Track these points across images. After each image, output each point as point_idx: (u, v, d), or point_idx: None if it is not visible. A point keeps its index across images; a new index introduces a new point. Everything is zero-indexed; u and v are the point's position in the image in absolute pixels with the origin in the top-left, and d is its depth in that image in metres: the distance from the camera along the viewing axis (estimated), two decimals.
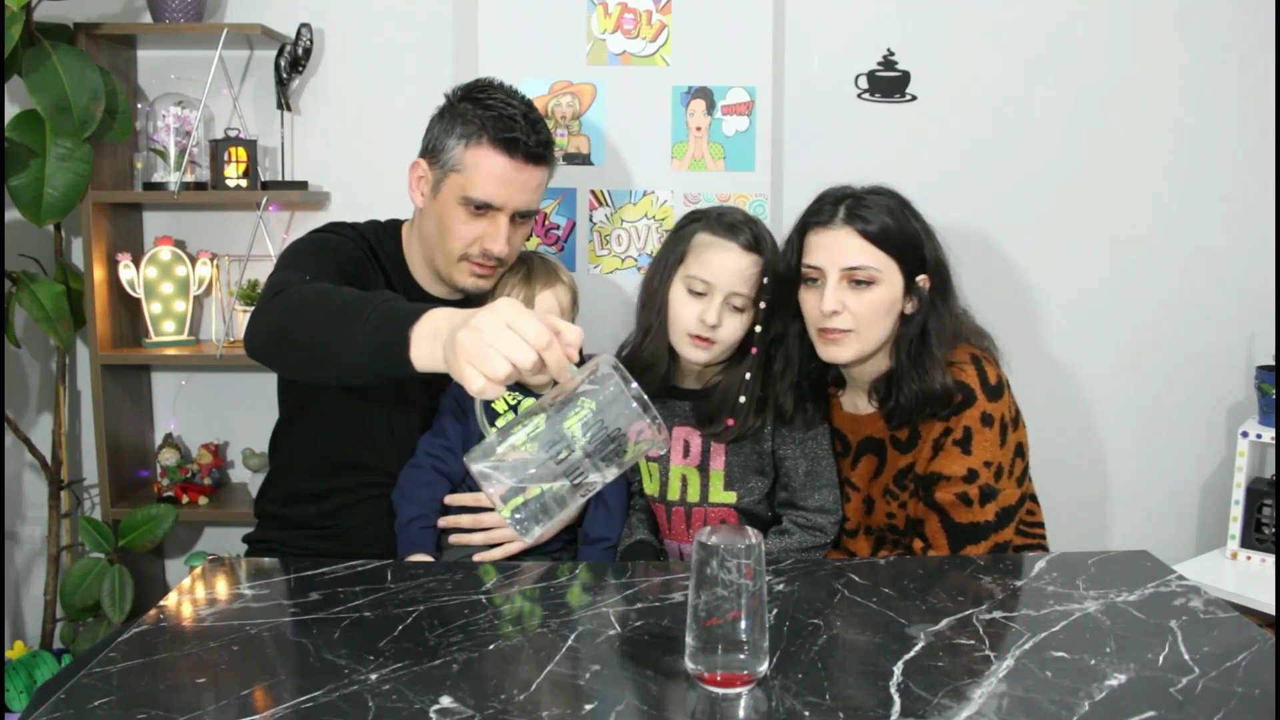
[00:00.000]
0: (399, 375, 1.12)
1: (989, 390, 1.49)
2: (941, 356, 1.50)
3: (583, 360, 1.03)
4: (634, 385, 0.98)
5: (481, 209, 1.53)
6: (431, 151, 1.57)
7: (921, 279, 1.51)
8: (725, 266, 1.52)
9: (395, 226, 1.69)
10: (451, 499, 1.58)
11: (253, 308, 2.25)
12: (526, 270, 1.63)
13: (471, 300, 1.61)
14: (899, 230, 1.49)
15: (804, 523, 1.55)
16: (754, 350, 1.55)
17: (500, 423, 1.06)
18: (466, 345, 0.99)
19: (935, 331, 1.51)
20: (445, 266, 1.59)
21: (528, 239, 1.70)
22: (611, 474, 1.02)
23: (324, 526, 1.61)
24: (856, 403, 1.62)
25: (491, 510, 1.54)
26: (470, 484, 1.59)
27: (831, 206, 1.51)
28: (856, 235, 1.48)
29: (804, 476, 1.56)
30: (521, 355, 0.97)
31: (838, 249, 1.48)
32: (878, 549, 1.63)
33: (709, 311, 1.51)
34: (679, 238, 1.58)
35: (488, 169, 1.52)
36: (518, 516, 1.01)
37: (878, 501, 1.59)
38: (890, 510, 1.58)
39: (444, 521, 1.57)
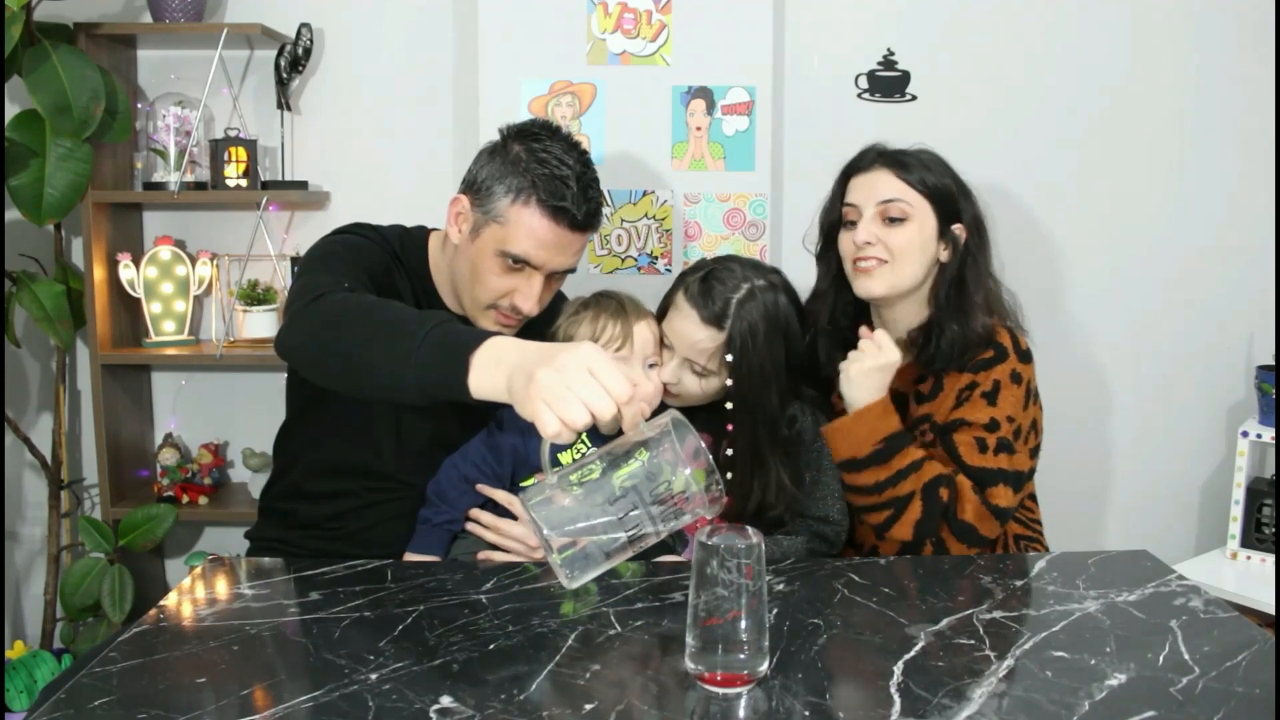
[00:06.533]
0: (450, 399, 1.08)
1: (1020, 353, 1.55)
2: (980, 303, 1.55)
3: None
4: (701, 444, 0.98)
5: (519, 264, 1.48)
6: (476, 191, 1.49)
7: (957, 228, 1.57)
8: (683, 335, 1.52)
9: (422, 236, 1.63)
10: (484, 489, 1.55)
11: (249, 308, 2.30)
12: (617, 302, 1.56)
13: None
14: (935, 176, 1.57)
15: (808, 529, 1.56)
16: (730, 427, 1.54)
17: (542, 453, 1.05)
18: (546, 385, 0.96)
19: (972, 280, 1.57)
20: (470, 310, 1.55)
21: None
22: (667, 530, 1.01)
23: (331, 528, 1.59)
24: None
25: (515, 519, 1.51)
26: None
27: (873, 155, 1.60)
28: (891, 174, 1.56)
29: (809, 484, 1.56)
30: (602, 406, 0.95)
31: (874, 186, 1.56)
32: None
33: (666, 370, 1.53)
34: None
35: (530, 230, 1.46)
36: (566, 562, 1.01)
37: None
38: None
39: (470, 513, 1.55)
